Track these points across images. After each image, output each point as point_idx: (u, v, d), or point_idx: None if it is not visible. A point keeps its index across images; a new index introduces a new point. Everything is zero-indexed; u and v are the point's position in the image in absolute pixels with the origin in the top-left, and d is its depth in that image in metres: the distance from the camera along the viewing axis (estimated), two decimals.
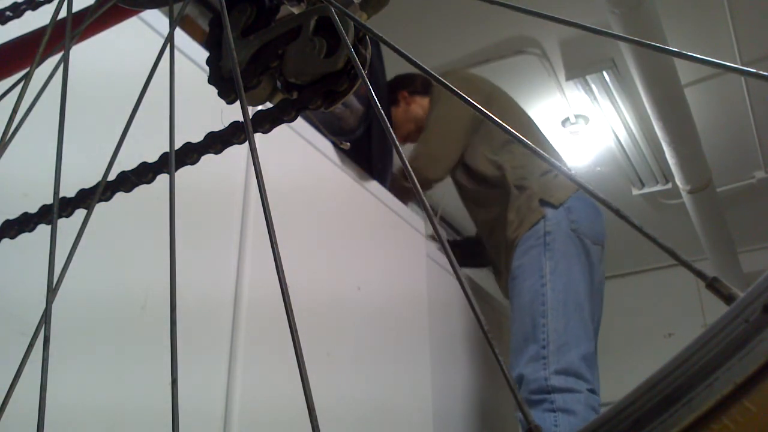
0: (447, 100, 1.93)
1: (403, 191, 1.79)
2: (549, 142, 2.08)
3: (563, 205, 1.76)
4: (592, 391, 1.54)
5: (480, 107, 0.29)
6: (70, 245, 0.32)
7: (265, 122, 0.38)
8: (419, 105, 2.03)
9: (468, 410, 1.80)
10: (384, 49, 1.78)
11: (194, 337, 0.93)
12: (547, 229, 1.74)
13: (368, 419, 1.27)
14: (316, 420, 0.23)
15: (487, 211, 1.91)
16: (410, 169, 0.29)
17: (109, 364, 0.80)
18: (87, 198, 0.39)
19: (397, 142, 0.28)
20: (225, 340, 0.98)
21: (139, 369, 0.82)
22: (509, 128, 0.28)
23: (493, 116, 0.29)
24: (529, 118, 2.08)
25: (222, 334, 0.98)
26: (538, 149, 0.27)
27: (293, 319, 0.26)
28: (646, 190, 3.17)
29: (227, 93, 0.39)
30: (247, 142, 0.33)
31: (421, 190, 0.28)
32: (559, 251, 1.70)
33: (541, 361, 1.56)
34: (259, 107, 0.39)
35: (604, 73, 2.49)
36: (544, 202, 1.77)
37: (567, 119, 2.79)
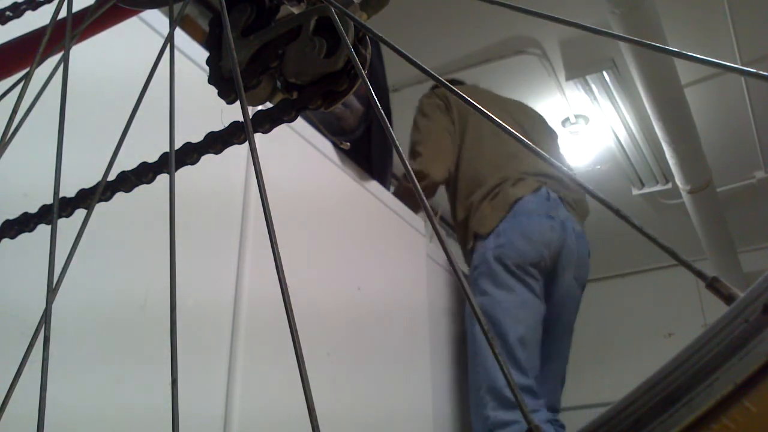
0: (426, 113, 1.97)
1: (408, 196, 1.79)
2: (548, 142, 2.07)
3: (493, 231, 1.73)
4: (534, 411, 1.57)
5: (472, 101, 0.29)
6: (70, 245, 0.32)
7: (265, 122, 0.38)
8: None
9: (468, 410, 1.80)
10: (384, 49, 1.78)
11: (194, 338, 0.93)
12: (475, 264, 1.75)
13: (368, 418, 1.27)
14: (316, 420, 0.23)
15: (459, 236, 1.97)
16: (410, 170, 0.29)
17: (109, 364, 0.80)
18: (87, 198, 0.39)
19: (397, 142, 0.28)
20: (225, 340, 0.98)
21: (138, 369, 0.82)
22: (498, 120, 0.28)
23: (489, 113, 0.29)
24: (521, 117, 2.06)
25: (222, 334, 0.98)
26: (528, 141, 0.27)
27: (293, 318, 0.26)
28: (646, 190, 3.17)
29: (227, 93, 0.39)
30: (247, 142, 0.33)
31: (422, 193, 0.28)
32: (484, 287, 1.69)
33: (480, 402, 1.59)
34: (259, 107, 0.39)
35: (604, 73, 2.49)
36: (476, 235, 1.78)
37: (567, 119, 2.79)
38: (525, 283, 1.69)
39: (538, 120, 2.13)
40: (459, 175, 1.90)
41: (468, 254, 1.84)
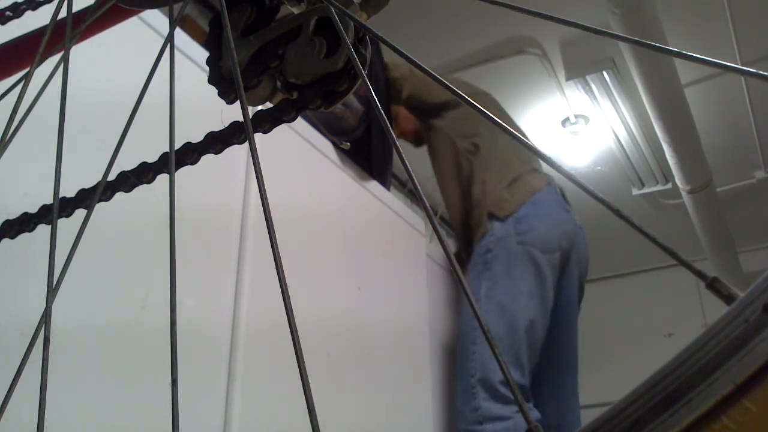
0: None
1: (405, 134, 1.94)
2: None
3: (513, 215, 1.64)
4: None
5: (477, 104, 0.29)
6: (70, 245, 0.32)
7: (265, 122, 0.38)
8: None
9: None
10: (384, 49, 1.78)
11: (194, 338, 0.93)
12: (488, 247, 1.64)
13: (368, 418, 1.27)
14: (317, 420, 0.23)
15: (455, 220, 1.84)
16: (409, 167, 0.29)
17: (109, 364, 0.80)
18: (87, 198, 0.39)
19: (397, 142, 0.28)
20: (225, 339, 0.98)
21: (138, 370, 0.82)
22: (499, 120, 0.28)
23: (486, 111, 0.29)
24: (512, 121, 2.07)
25: (222, 332, 0.98)
26: (529, 141, 0.27)
27: (293, 318, 0.26)
28: (646, 190, 3.17)
29: (227, 93, 0.39)
30: (247, 142, 0.33)
31: (420, 189, 0.28)
32: (498, 270, 1.60)
33: (470, 391, 1.51)
34: (259, 107, 0.39)
35: (604, 73, 2.49)
36: (491, 216, 1.67)
37: (567, 119, 2.79)
38: (541, 273, 1.60)
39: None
40: (479, 153, 1.79)
41: (471, 235, 1.74)
